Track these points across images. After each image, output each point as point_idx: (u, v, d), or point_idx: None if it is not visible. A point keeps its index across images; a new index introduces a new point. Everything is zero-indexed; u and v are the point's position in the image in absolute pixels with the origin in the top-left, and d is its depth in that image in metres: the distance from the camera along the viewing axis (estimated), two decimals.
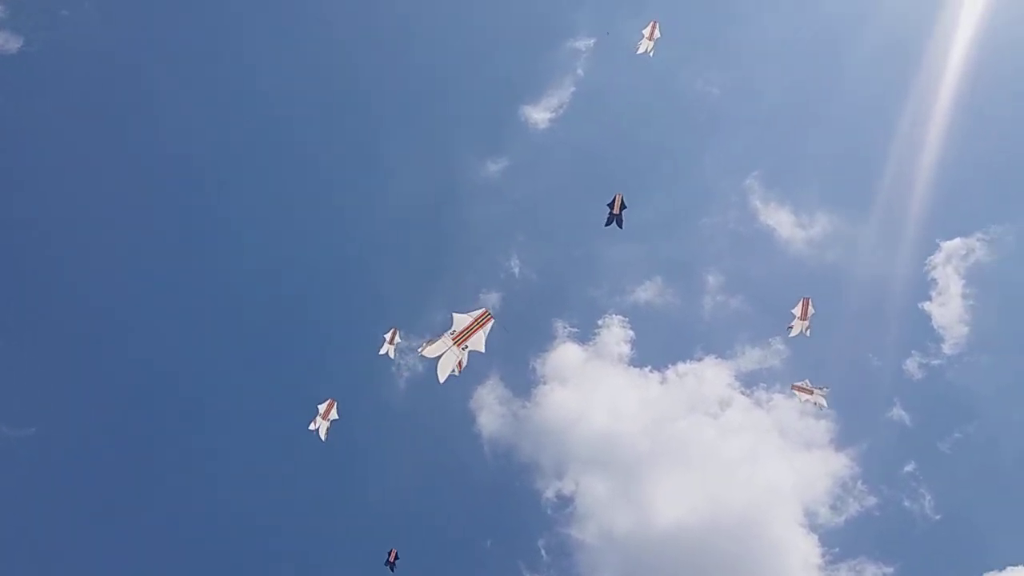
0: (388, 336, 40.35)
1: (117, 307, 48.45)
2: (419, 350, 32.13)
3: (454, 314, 30.95)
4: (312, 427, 38.55)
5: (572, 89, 51.49)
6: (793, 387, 37.64)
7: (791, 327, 37.29)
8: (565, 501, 44.49)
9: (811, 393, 37.20)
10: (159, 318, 49.08)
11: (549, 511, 44.90)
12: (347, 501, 46.93)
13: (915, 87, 48.70)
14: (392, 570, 38.82)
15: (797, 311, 36.97)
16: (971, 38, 47.24)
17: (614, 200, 35.05)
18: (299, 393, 48.00)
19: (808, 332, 37.19)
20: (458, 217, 53.58)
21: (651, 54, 40.52)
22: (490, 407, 47.15)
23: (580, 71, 52.09)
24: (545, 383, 46.96)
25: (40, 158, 49.41)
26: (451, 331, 30.71)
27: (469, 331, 30.70)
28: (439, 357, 30.88)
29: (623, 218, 35.15)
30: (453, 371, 31.03)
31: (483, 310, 30.78)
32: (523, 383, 47.50)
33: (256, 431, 47.83)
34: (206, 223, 51.93)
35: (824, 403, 37.49)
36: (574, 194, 51.87)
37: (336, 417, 38.53)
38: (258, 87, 53.88)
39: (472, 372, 48.14)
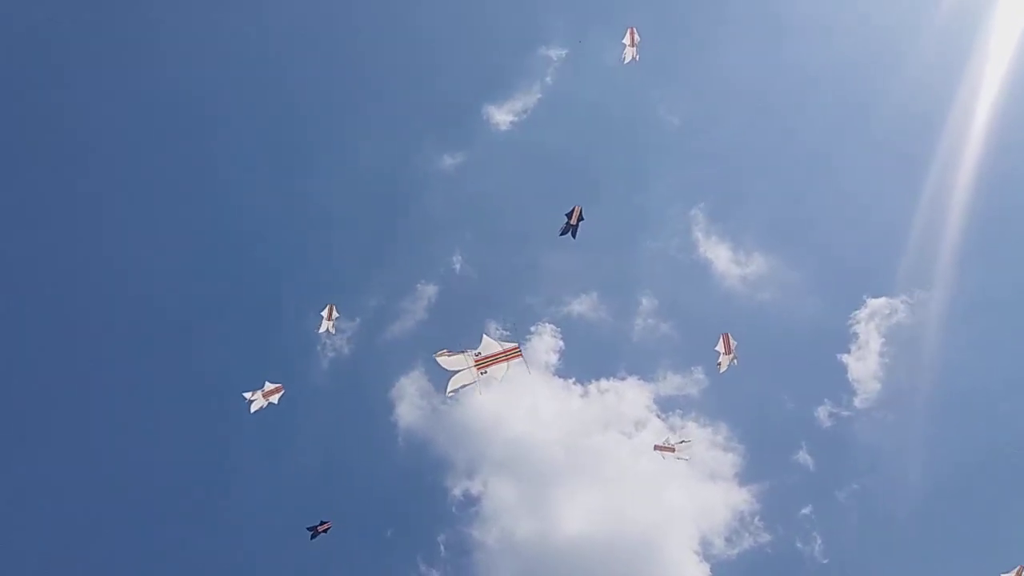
0: (325, 313, 40.08)
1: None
2: (436, 355, 32.38)
3: (485, 336, 30.78)
4: (248, 396, 38.11)
5: (539, 96, 52.05)
6: (656, 447, 38.66)
7: (719, 364, 37.94)
8: (471, 500, 44.96)
9: (672, 450, 38.54)
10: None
11: (454, 509, 45.27)
12: (253, 474, 46.42)
13: (869, 146, 50.65)
14: (312, 537, 38.38)
15: (720, 347, 37.65)
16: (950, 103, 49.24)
17: (572, 211, 35.30)
18: (222, 365, 47.99)
19: (736, 361, 37.83)
20: (406, 205, 53.67)
21: (637, 59, 40.55)
22: (410, 398, 47.23)
23: (549, 79, 52.64)
24: None
25: None
26: (476, 352, 30.53)
27: (494, 359, 30.55)
28: (454, 372, 30.82)
29: (578, 230, 35.50)
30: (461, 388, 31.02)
31: (515, 345, 30.63)
32: (447, 379, 47.49)
33: (170, 396, 47.46)
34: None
35: (687, 456, 38.82)
36: (525, 199, 52.27)
37: (275, 403, 38.13)
38: (227, 63, 53.64)
39: (398, 364, 48.44)
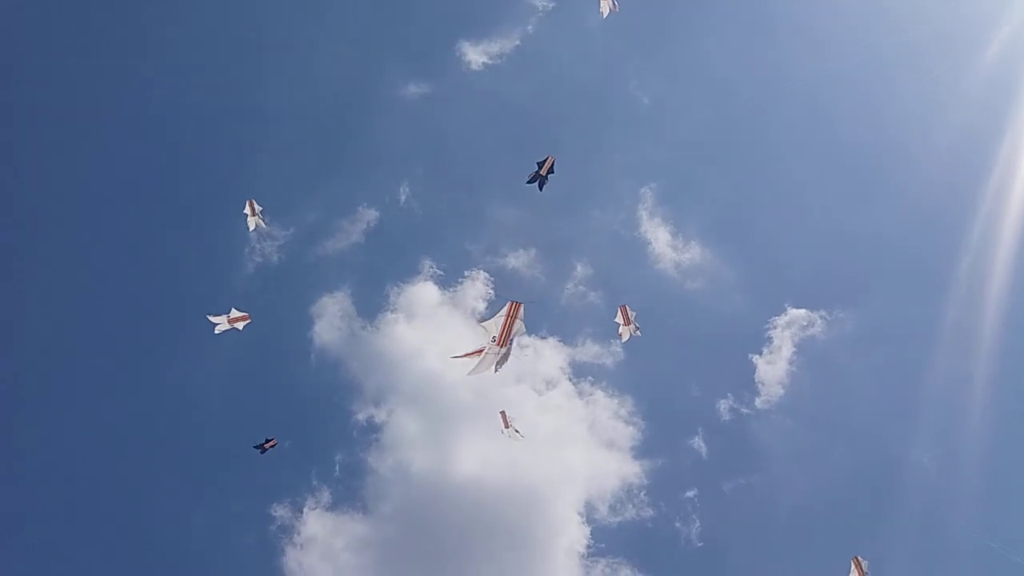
0: (248, 209, 39.41)
1: None
2: (452, 357, 32.28)
3: (483, 324, 30.51)
4: (213, 320, 37.92)
5: (517, 43, 51.22)
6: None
7: (620, 334, 38.49)
8: (374, 427, 45.39)
9: (507, 426, 40.32)
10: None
11: (355, 433, 45.64)
12: (162, 380, 46.20)
13: (829, 159, 51.70)
14: (262, 452, 38.75)
15: (619, 319, 38.09)
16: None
17: (545, 161, 34.71)
18: (157, 261, 47.50)
19: (638, 332, 38.34)
20: (362, 126, 52.83)
21: (616, 9, 39.61)
22: (330, 318, 47.02)
23: (530, 28, 51.79)
24: (393, 312, 47.36)
25: None
26: (491, 338, 30.10)
27: (507, 328, 30.19)
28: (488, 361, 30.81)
29: (546, 182, 34.99)
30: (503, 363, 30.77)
31: (509, 303, 30.24)
32: (371, 306, 47.58)
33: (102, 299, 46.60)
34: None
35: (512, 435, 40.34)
36: (484, 144, 52.13)
37: (239, 329, 38.03)
38: None
39: (324, 282, 48.05)
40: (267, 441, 38.80)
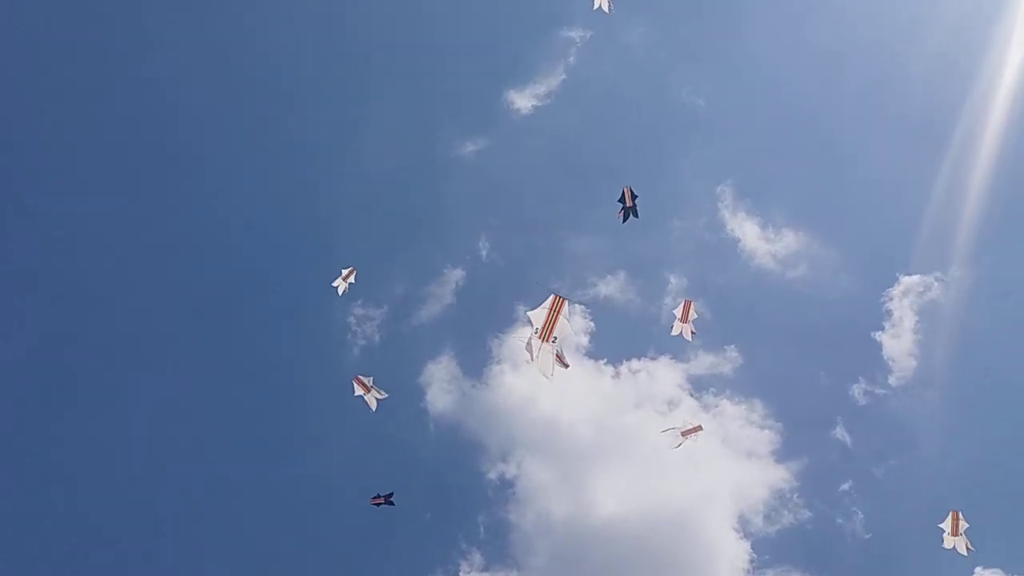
0: (345, 273, 39.94)
1: None
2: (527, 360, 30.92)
3: (529, 313, 30.30)
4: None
5: (562, 78, 51.54)
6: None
7: (672, 327, 37.23)
8: (506, 483, 44.67)
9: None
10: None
11: (490, 492, 45.11)
12: (288, 468, 46.34)
13: (901, 124, 50.27)
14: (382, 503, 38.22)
15: (678, 312, 36.91)
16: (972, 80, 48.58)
17: (623, 194, 34.17)
18: (257, 358, 48.23)
19: (693, 335, 37.10)
20: (431, 193, 53.39)
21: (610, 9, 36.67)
22: (440, 383, 47.07)
23: (572, 59, 52.15)
24: (498, 364, 47.08)
25: None
26: (534, 330, 30.06)
27: (551, 323, 30.06)
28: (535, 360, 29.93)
29: (637, 207, 34.23)
30: (555, 364, 30.34)
31: (552, 296, 30.10)
32: (476, 363, 47.40)
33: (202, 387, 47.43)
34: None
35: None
36: (550, 183, 52.18)
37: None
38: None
39: (426, 348, 48.36)
40: (383, 496, 38.24)
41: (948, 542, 33.48)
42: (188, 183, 51.28)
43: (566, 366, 30.97)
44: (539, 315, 29.36)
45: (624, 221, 34.07)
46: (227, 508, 44.83)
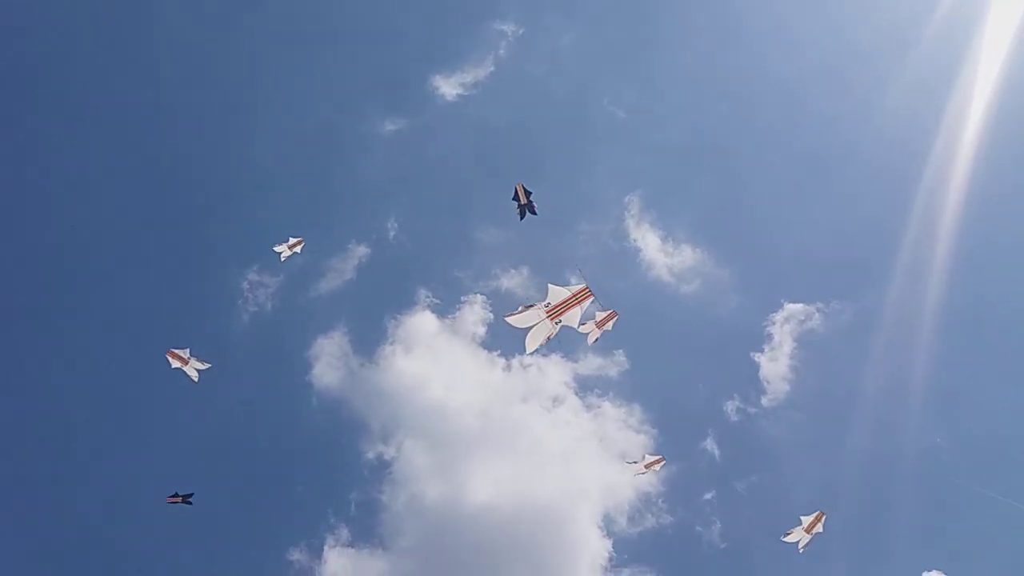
0: (292, 241, 39.58)
1: None
2: (506, 317, 31.19)
3: (550, 285, 29.83)
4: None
5: (491, 69, 51.91)
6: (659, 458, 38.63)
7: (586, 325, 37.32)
8: (384, 464, 45.03)
9: (648, 468, 38.66)
10: None
11: (366, 471, 45.35)
12: (167, 429, 45.92)
13: (808, 158, 52.03)
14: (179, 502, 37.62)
15: (599, 316, 36.09)
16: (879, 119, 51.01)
17: (516, 192, 33.89)
18: (145, 313, 47.23)
19: (593, 341, 36.59)
20: (344, 166, 53.10)
21: None
22: (329, 359, 46.89)
23: (503, 52, 52.55)
24: (392, 345, 47.23)
25: None
26: (545, 303, 29.59)
27: (565, 306, 29.73)
28: (528, 329, 29.80)
29: (533, 204, 34.02)
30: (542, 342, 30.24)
31: (583, 286, 29.70)
32: (369, 342, 47.53)
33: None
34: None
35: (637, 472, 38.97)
36: (466, 172, 52.50)
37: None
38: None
39: (319, 321, 48.05)
40: (184, 497, 37.59)
41: (796, 535, 34.96)
42: (101, 142, 50.28)
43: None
44: (559, 293, 29.49)
45: (522, 218, 34.28)
46: (94, 469, 44.36)
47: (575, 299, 29.88)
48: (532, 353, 31.28)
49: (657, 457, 38.55)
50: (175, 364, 37.00)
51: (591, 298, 30.03)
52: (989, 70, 48.95)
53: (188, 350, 36.91)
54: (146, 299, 47.57)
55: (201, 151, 50.84)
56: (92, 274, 48.79)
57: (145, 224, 49.25)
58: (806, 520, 35.02)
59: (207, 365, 37.09)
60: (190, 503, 37.41)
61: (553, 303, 30.02)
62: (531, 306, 30.03)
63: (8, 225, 47.33)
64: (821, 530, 35.13)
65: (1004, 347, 46.91)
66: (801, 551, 35.28)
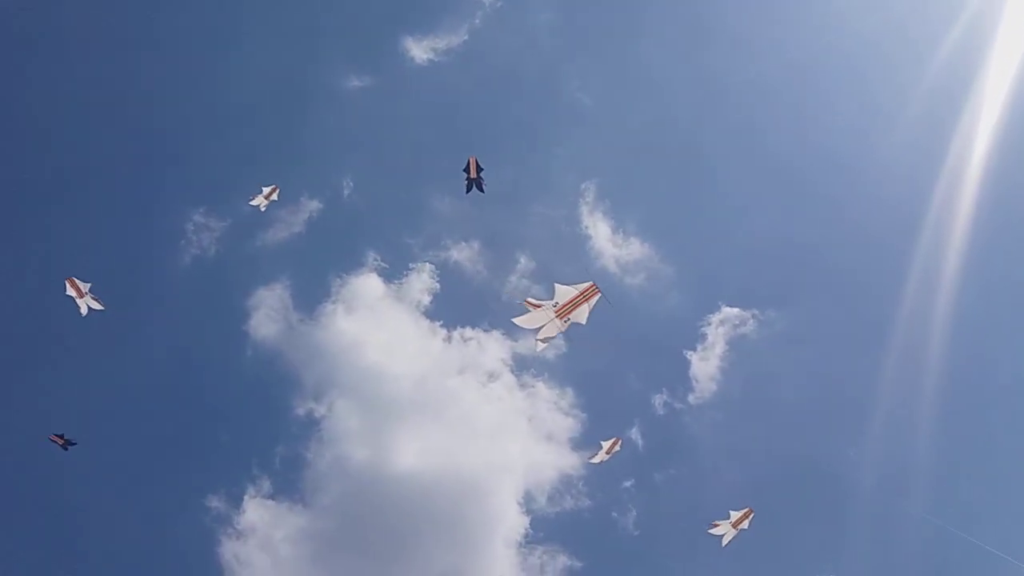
0: (267, 191, 39.08)
1: None
2: (514, 319, 31.46)
3: (556, 285, 29.59)
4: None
5: (464, 38, 51.42)
6: (616, 439, 39.49)
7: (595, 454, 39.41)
8: (313, 422, 45.13)
9: (609, 453, 39.56)
10: None
11: (294, 428, 45.41)
12: (98, 366, 45.58)
13: (766, 162, 52.22)
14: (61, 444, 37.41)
15: (606, 444, 39.29)
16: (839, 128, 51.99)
17: (468, 164, 33.97)
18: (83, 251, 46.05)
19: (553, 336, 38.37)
20: (304, 118, 52.32)
21: None
22: (267, 311, 46.58)
23: (478, 23, 52.00)
24: (333, 303, 47.13)
25: None
26: (553, 303, 29.40)
27: (573, 304, 29.57)
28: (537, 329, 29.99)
29: (483, 180, 34.27)
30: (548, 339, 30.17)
31: (590, 283, 29.61)
32: (310, 298, 47.34)
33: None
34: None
35: (599, 460, 39.80)
36: (427, 138, 52.00)
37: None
38: None
39: (261, 272, 47.64)
40: (65, 440, 37.60)
41: (721, 528, 35.77)
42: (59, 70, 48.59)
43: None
44: (567, 292, 29.46)
45: (467, 192, 34.19)
46: (19, 406, 43.39)
47: (582, 296, 30.17)
48: (544, 343, 31.30)
49: (613, 440, 39.40)
50: (70, 292, 36.57)
51: (599, 295, 30.25)
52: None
53: (90, 285, 36.67)
54: (86, 231, 46.92)
55: (162, 86, 49.73)
56: (39, 199, 47.59)
57: (94, 154, 48.29)
58: (734, 515, 35.79)
59: (101, 307, 36.94)
60: (67, 449, 37.16)
61: (561, 302, 30.26)
62: (539, 306, 30.21)
63: None
64: (747, 527, 35.92)
65: (922, 375, 48.58)
66: (724, 545, 36.11)
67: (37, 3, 49.02)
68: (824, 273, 50.79)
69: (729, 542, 36.20)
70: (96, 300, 36.69)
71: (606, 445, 39.55)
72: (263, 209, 40.35)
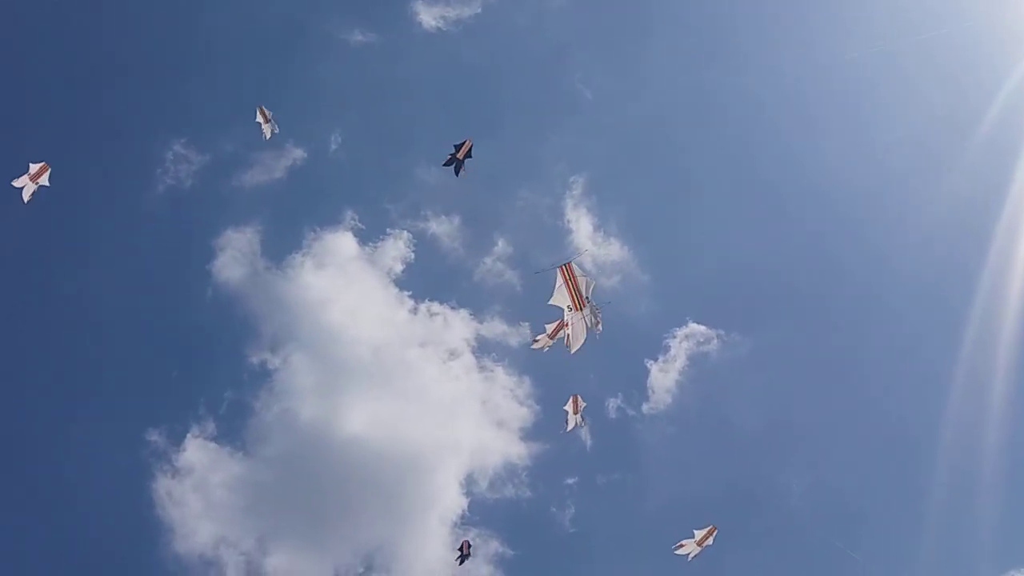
0: (260, 118, 37.88)
1: None
2: (533, 346, 31.83)
3: (551, 302, 29.50)
4: (17, 184, 33.66)
5: (477, 11, 50.56)
6: (574, 396, 37.87)
7: (566, 422, 37.68)
8: (266, 372, 44.52)
9: (575, 412, 37.67)
10: None
11: (245, 375, 44.84)
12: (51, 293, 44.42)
13: (756, 183, 52.68)
14: None
15: (568, 407, 37.56)
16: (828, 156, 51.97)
17: (463, 144, 32.90)
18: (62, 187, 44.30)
19: (584, 424, 37.95)
20: (301, 65, 51.06)
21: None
22: (234, 253, 45.80)
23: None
24: (303, 256, 46.44)
25: None
26: (567, 307, 29.06)
27: (575, 290, 29.08)
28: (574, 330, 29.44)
29: (463, 166, 33.25)
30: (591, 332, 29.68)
31: (559, 269, 29.23)
32: (280, 247, 46.66)
33: None
34: None
35: (570, 426, 37.92)
36: (424, 105, 51.40)
37: (47, 184, 33.76)
38: None
39: (233, 212, 46.77)
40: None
41: (688, 547, 35.58)
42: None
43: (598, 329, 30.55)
44: (561, 294, 29.00)
45: (444, 165, 33.16)
46: None
47: (569, 280, 29.79)
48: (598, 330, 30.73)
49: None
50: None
51: (571, 263, 29.72)
52: None
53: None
54: (67, 149, 45.21)
55: (171, 13, 48.66)
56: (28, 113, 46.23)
57: (85, 73, 47.04)
58: (699, 533, 35.68)
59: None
60: None
61: (570, 303, 29.91)
62: (558, 324, 30.30)
63: None
64: (711, 543, 35.79)
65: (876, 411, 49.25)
66: (689, 560, 35.86)
67: None
68: (792, 303, 51.16)
69: (695, 558, 36.04)
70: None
71: (569, 408, 37.66)
72: (269, 134, 38.56)
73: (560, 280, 29.92)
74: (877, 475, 47.57)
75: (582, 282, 29.95)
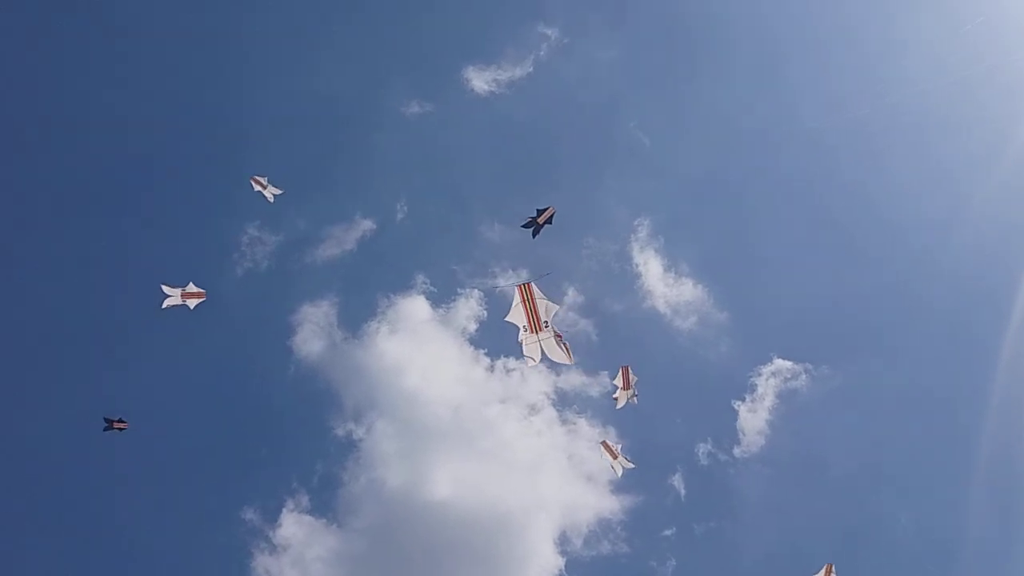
0: (257, 187, 39.05)
1: None
2: (617, 406, 33.08)
3: (508, 319, 29.79)
4: (167, 290, 35.55)
5: (529, 70, 51.43)
6: (602, 443, 37.95)
7: (616, 398, 37.11)
8: (352, 443, 44.86)
9: (615, 457, 37.64)
10: None
11: (332, 448, 45.21)
12: (143, 373, 45.69)
13: (829, 215, 52.07)
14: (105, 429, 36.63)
15: (619, 381, 36.88)
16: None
17: (546, 210, 32.86)
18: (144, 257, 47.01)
19: (635, 399, 37.15)
20: (364, 139, 52.85)
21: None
22: (313, 327, 46.57)
23: (543, 55, 52.02)
24: (378, 324, 46.95)
25: None
26: (522, 328, 29.38)
27: (532, 312, 29.32)
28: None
29: (541, 230, 32.96)
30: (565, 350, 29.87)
31: (517, 288, 29.50)
32: (356, 317, 47.33)
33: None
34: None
35: (620, 471, 38.02)
36: (484, 166, 52.29)
37: (190, 307, 35.74)
38: None
39: (309, 288, 47.68)
40: (118, 420, 36.57)
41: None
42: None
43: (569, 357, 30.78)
44: (517, 313, 29.14)
45: (524, 227, 32.96)
46: (64, 413, 43.62)
47: (527, 301, 29.71)
48: (536, 362, 31.01)
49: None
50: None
51: (531, 284, 29.67)
52: None
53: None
54: (146, 236, 47.51)
55: (229, 99, 50.98)
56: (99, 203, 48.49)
57: (158, 160, 48.99)
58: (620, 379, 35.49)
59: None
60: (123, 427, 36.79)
61: (525, 323, 29.97)
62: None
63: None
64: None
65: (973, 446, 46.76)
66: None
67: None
68: (873, 334, 49.59)
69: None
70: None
71: (620, 382, 36.63)
72: (271, 199, 39.72)
73: (518, 298, 29.66)
74: (981, 504, 45.08)
75: (541, 305, 29.71)
